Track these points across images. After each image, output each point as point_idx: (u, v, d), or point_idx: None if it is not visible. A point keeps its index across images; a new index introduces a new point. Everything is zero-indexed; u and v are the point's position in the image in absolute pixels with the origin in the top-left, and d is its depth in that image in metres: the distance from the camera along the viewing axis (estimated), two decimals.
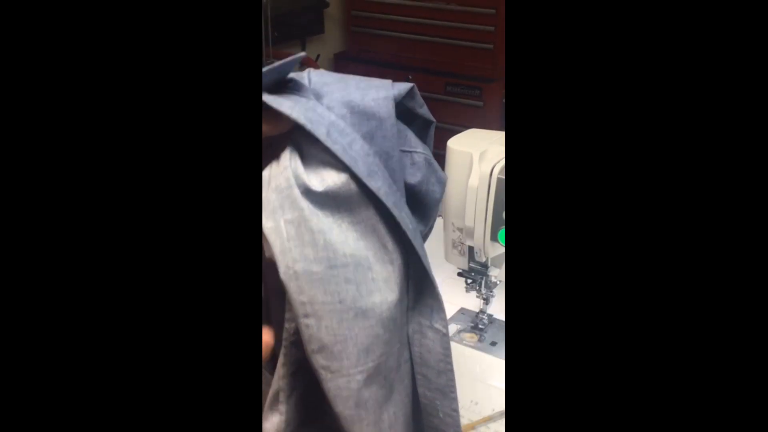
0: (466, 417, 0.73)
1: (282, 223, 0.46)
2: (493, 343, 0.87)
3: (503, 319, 0.90)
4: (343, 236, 0.47)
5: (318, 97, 0.49)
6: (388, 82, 0.52)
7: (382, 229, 0.49)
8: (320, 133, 0.45)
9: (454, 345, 0.86)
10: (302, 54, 0.51)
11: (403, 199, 0.51)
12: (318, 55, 2.47)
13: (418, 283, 0.53)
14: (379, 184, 0.47)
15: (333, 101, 0.49)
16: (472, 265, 0.86)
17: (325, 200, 0.46)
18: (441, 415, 0.55)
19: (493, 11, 2.18)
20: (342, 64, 2.52)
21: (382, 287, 0.49)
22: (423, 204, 0.55)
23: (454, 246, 0.86)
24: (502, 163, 0.79)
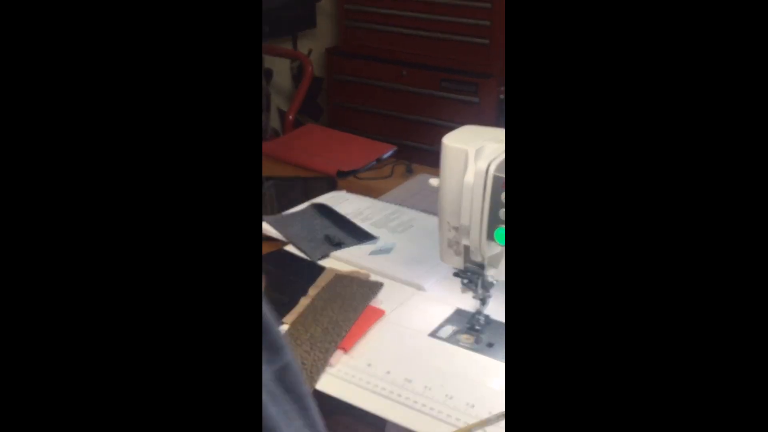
0: (462, 420, 0.73)
1: None
2: (490, 345, 0.87)
3: (500, 320, 0.90)
4: None
5: None
6: None
7: None
8: None
9: (450, 346, 0.86)
10: None
11: None
12: (310, 50, 2.47)
13: None
14: None
15: None
16: (467, 264, 0.87)
17: None
18: None
19: (489, 5, 2.18)
20: (334, 59, 2.52)
21: None
22: None
23: (449, 245, 0.86)
24: (499, 160, 0.79)
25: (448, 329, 0.90)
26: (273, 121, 2.22)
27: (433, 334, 0.89)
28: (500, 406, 0.74)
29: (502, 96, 2.13)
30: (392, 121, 2.41)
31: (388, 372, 0.80)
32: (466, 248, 0.85)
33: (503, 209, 0.79)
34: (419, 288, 0.99)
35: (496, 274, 0.87)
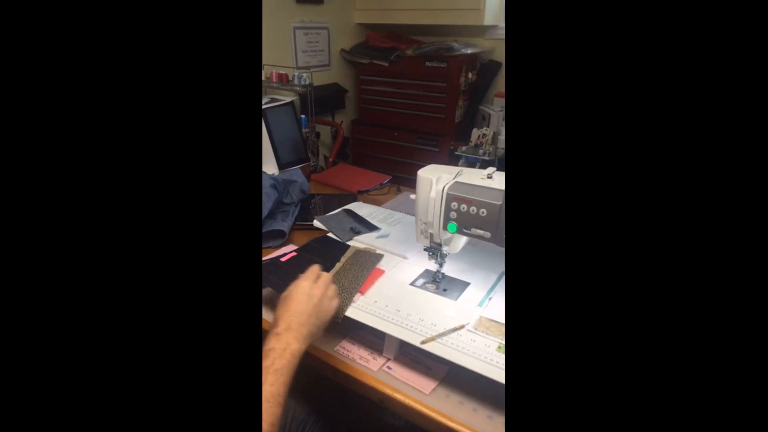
0: (428, 334, 0.73)
1: None
2: (444, 290, 0.86)
3: (451, 275, 0.90)
4: None
5: None
6: None
7: None
8: None
9: (421, 291, 0.86)
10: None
11: None
12: (341, 121, 2.47)
13: None
14: None
15: None
16: (432, 243, 0.86)
17: None
18: None
19: (445, 95, 2.18)
20: (355, 126, 2.52)
21: None
22: None
23: (422, 232, 0.86)
24: (449, 183, 0.79)
25: (421, 281, 0.89)
26: (320, 161, 2.22)
27: (412, 284, 0.88)
28: (451, 325, 0.74)
29: (452, 148, 2.12)
30: (389, 161, 2.41)
31: (387, 305, 0.80)
32: (431, 234, 0.84)
33: (452, 212, 0.79)
34: (404, 257, 0.99)
35: (448, 249, 0.87)
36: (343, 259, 0.96)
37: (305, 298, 0.67)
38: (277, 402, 0.53)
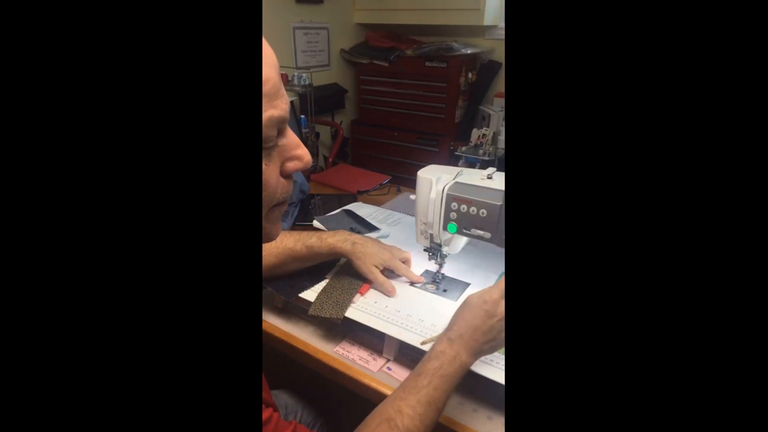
0: (427, 335, 0.73)
1: None
2: (444, 290, 0.86)
3: (450, 276, 0.90)
4: None
5: None
6: None
7: None
8: None
9: (421, 291, 0.86)
10: None
11: None
12: (341, 121, 2.47)
13: None
14: None
15: None
16: (432, 244, 0.86)
17: None
18: None
19: (444, 95, 2.18)
20: (355, 126, 2.52)
21: None
22: None
23: (421, 233, 0.86)
24: (449, 184, 0.79)
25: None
26: (320, 161, 2.22)
27: (412, 284, 0.88)
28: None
29: (452, 148, 2.12)
30: (389, 161, 2.41)
31: (387, 306, 0.80)
32: (431, 235, 0.84)
33: (452, 213, 0.79)
34: None
35: (448, 250, 0.87)
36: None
37: (482, 314, 0.58)
38: (436, 408, 0.52)
